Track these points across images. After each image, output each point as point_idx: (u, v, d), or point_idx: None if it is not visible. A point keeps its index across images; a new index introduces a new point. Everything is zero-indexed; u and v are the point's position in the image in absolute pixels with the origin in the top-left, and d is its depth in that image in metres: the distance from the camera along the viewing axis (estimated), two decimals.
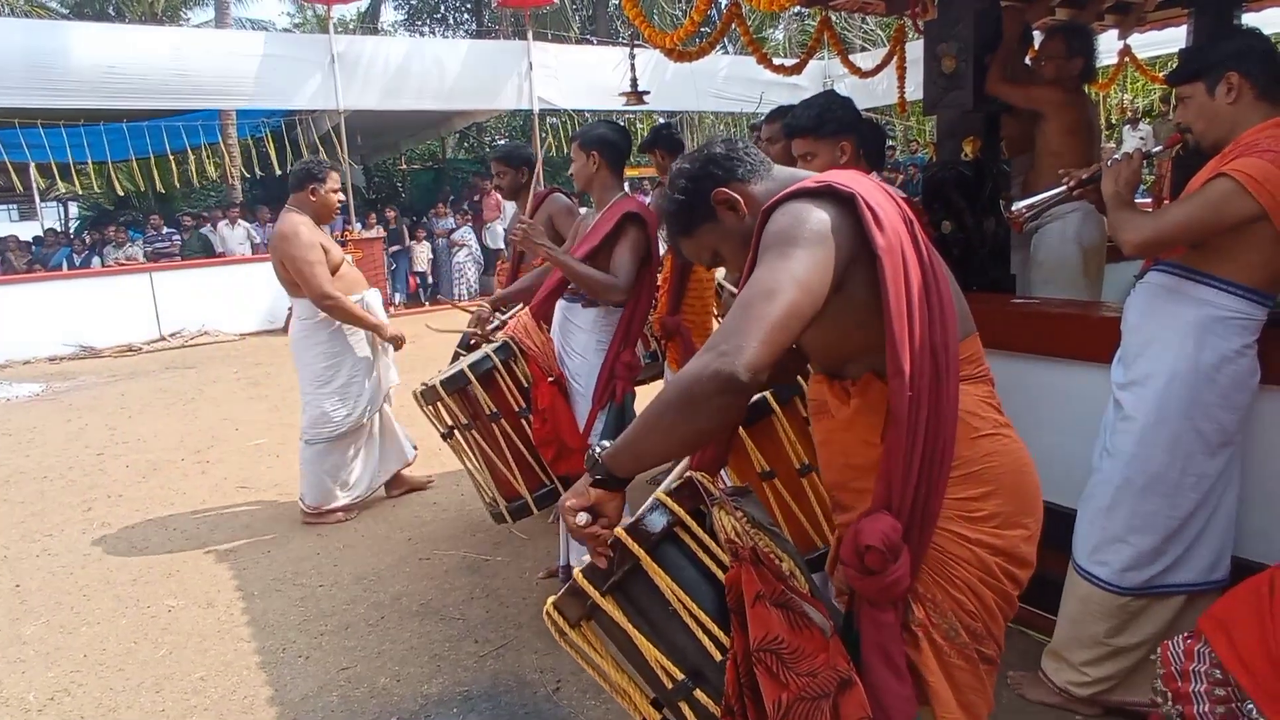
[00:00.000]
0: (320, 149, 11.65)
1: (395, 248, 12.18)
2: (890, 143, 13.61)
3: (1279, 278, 1.99)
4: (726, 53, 14.22)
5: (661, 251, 3.18)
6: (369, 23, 20.90)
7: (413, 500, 4.34)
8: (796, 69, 5.60)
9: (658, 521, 1.28)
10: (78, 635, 3.09)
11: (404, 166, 18.47)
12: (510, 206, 4.27)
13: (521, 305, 3.17)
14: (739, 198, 1.47)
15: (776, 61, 5.92)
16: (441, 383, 2.83)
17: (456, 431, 2.93)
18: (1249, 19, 4.23)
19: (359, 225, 11.19)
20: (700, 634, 1.24)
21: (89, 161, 10.56)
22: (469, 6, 23.61)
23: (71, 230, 14.79)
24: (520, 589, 3.26)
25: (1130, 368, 2.15)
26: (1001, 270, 2.99)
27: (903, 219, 1.38)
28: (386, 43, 12.76)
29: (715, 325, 4.19)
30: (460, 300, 12.29)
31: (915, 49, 4.25)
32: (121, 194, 12.49)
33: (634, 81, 7.06)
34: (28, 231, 13.68)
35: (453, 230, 12.46)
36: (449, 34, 23.54)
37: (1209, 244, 2.00)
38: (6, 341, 9.23)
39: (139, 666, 2.86)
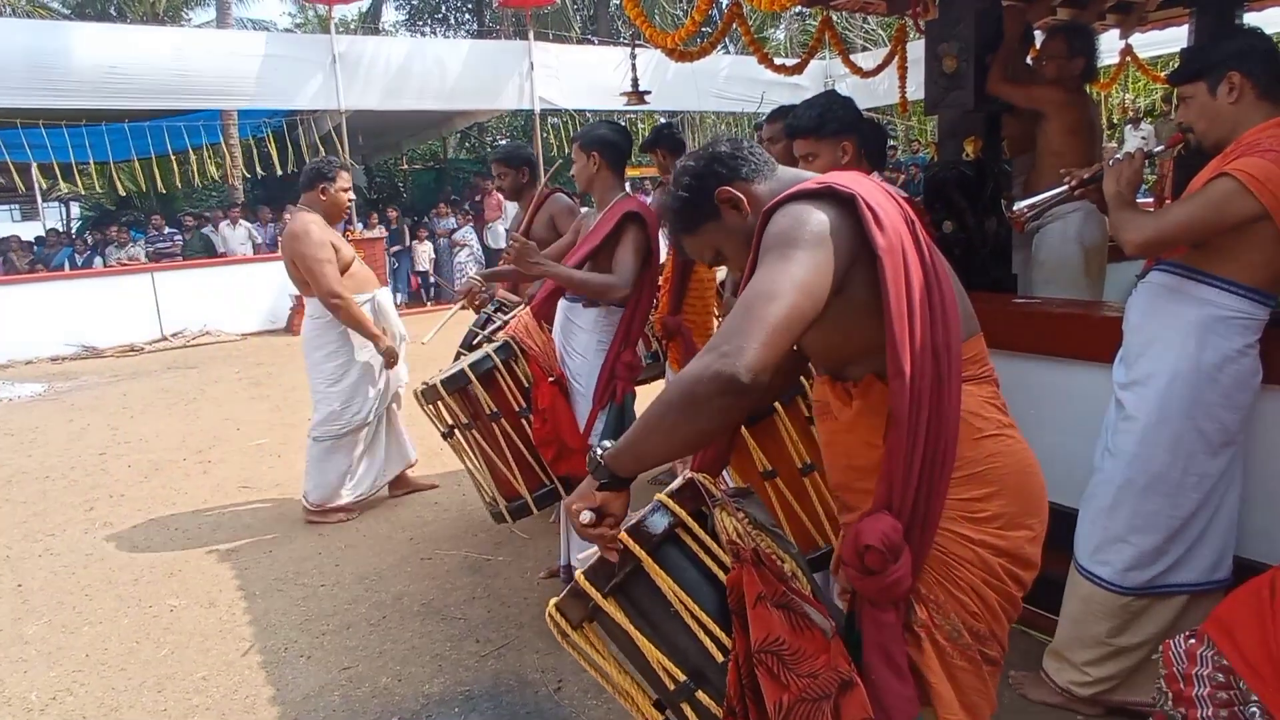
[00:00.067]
0: (321, 149, 11.66)
1: (396, 248, 12.19)
2: (892, 143, 13.61)
3: None
4: (728, 53, 14.22)
5: (663, 252, 3.19)
6: (370, 23, 20.92)
7: (414, 500, 4.34)
8: (798, 69, 5.60)
9: (659, 523, 1.28)
10: (80, 635, 3.10)
11: (405, 166, 18.48)
12: (512, 207, 4.27)
13: (524, 305, 3.17)
14: (742, 197, 1.47)
15: (778, 61, 5.92)
16: (442, 382, 2.84)
17: (457, 431, 2.93)
18: (1250, 18, 4.22)
19: (360, 225, 11.20)
20: (702, 635, 1.24)
21: (91, 161, 10.58)
22: (470, 6, 23.62)
23: (73, 230, 14.82)
24: (522, 589, 3.26)
25: (1132, 367, 2.15)
26: (1003, 270, 2.99)
27: (904, 219, 1.38)
28: (388, 43, 12.78)
29: (716, 325, 4.20)
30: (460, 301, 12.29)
31: (916, 49, 4.24)
32: (123, 194, 12.51)
33: (635, 81, 7.06)
34: (30, 232, 13.69)
35: (454, 230, 12.47)
36: (450, 34, 23.55)
37: (1211, 244, 1.99)
38: (9, 341, 9.24)
39: (141, 666, 2.86)
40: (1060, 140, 3.20)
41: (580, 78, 11.93)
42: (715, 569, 1.28)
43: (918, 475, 1.32)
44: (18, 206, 22.51)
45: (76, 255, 11.14)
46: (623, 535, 1.27)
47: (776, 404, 2.04)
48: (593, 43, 16.34)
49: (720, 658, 1.23)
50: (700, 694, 1.25)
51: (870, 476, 1.40)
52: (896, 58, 5.91)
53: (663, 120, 14.67)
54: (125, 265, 10.60)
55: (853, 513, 1.50)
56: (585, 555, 1.36)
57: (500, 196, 10.38)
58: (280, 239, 4.44)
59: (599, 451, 1.33)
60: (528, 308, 3.08)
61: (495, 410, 2.82)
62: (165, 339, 10.02)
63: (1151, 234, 2.00)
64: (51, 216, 17.94)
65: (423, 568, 3.52)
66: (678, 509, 1.30)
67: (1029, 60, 3.57)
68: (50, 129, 9.90)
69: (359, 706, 2.56)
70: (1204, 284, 2.02)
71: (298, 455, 5.17)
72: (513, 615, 3.06)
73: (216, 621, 3.14)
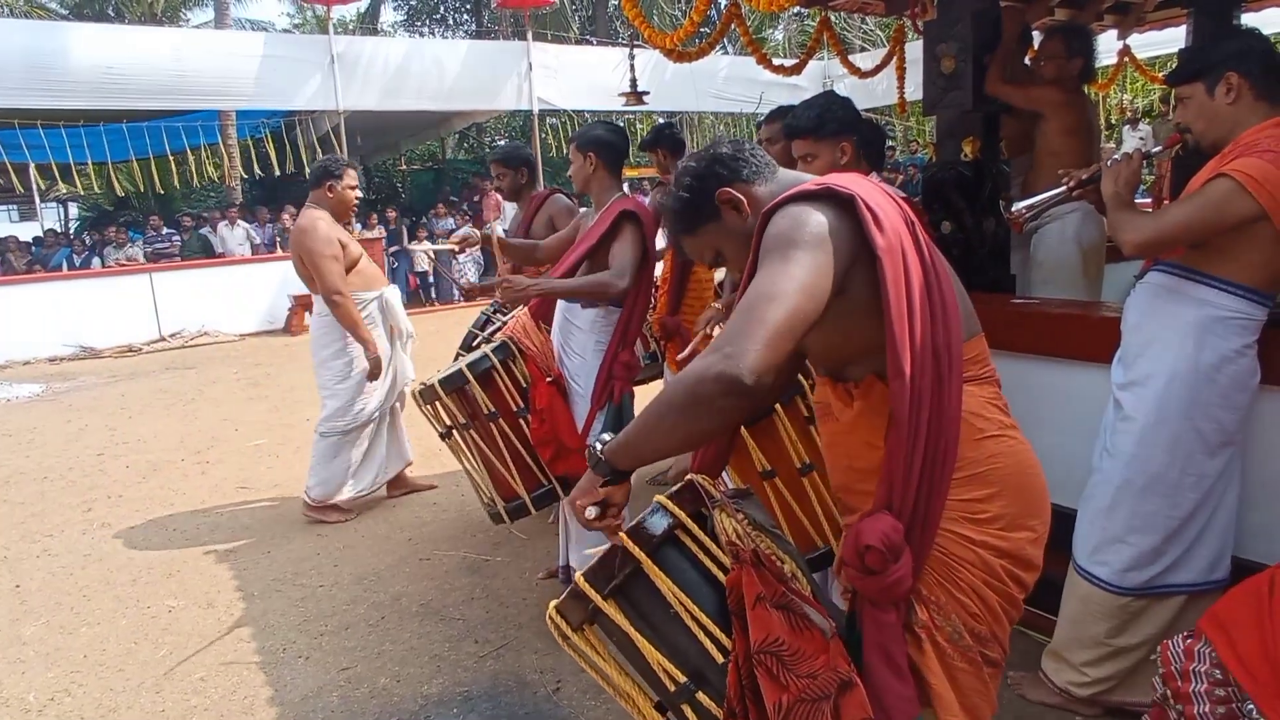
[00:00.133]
0: (319, 149, 11.66)
1: (395, 248, 12.18)
2: (890, 143, 13.61)
3: (1279, 278, 1.99)
4: (726, 53, 14.23)
5: (660, 251, 3.18)
6: (368, 23, 20.91)
7: (413, 501, 4.34)
8: (796, 69, 5.60)
9: (659, 524, 1.28)
10: (78, 636, 3.10)
11: (404, 167, 18.48)
12: (510, 207, 4.27)
13: (523, 305, 3.16)
14: (742, 198, 1.48)
15: (776, 62, 5.93)
16: (440, 382, 2.84)
17: (455, 431, 2.93)
18: (1248, 19, 4.23)
19: (359, 226, 11.19)
20: (702, 636, 1.24)
21: (89, 162, 10.57)
22: (468, 7, 23.62)
23: (71, 231, 14.80)
24: (520, 589, 3.26)
25: (1130, 368, 2.15)
26: (1001, 270, 2.99)
27: (904, 220, 1.38)
28: (386, 43, 12.77)
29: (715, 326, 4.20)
30: (459, 302, 12.30)
31: (915, 49, 4.25)
32: (121, 194, 12.51)
33: (634, 82, 7.07)
34: (28, 232, 13.68)
35: (452, 231, 12.45)
36: (448, 34, 23.56)
37: (1209, 244, 2.00)
38: (6, 342, 9.23)
39: (139, 667, 2.86)
40: (1058, 140, 3.20)
41: (579, 78, 11.93)
42: (715, 570, 1.28)
43: (918, 475, 1.32)
44: (15, 207, 22.49)
45: (74, 256, 11.13)
46: (622, 537, 1.27)
47: (776, 404, 2.04)
48: (591, 43, 16.35)
49: (720, 659, 1.23)
50: (700, 695, 1.25)
51: (872, 478, 1.40)
52: (895, 58, 5.91)
53: (661, 121, 14.67)
54: (123, 266, 10.59)
55: (854, 515, 1.50)
56: (590, 552, 1.37)
57: (499, 197, 10.38)
58: (290, 235, 4.46)
59: (598, 446, 1.34)
60: (526, 308, 3.08)
61: (493, 410, 2.82)
62: (163, 339, 10.01)
63: (1150, 234, 2.00)
64: (49, 217, 17.95)
65: (421, 568, 3.52)
66: (677, 510, 1.30)
67: (1027, 61, 3.58)
68: (48, 129, 9.90)
69: (357, 707, 2.56)
70: (1202, 284, 2.02)
71: (296, 456, 5.17)
72: (511, 616, 3.05)
73: (215, 622, 3.14)
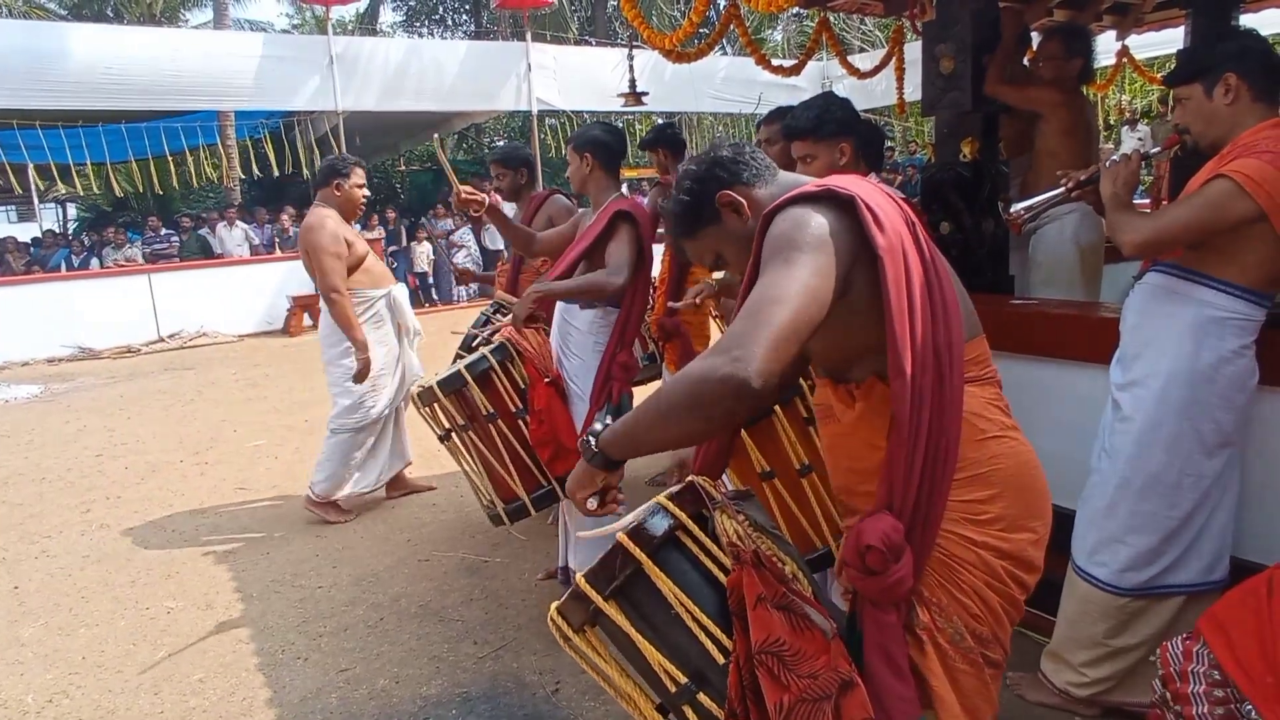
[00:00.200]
0: (317, 150, 11.66)
1: (394, 248, 12.18)
2: (889, 144, 13.62)
3: (1277, 279, 1.99)
4: (725, 54, 14.24)
5: (658, 253, 3.18)
6: (367, 24, 20.93)
7: (412, 502, 4.34)
8: (795, 70, 5.61)
9: (659, 525, 1.28)
10: (76, 637, 3.09)
11: (402, 168, 18.47)
12: (509, 208, 4.26)
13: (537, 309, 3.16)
14: (742, 201, 1.48)
15: (775, 63, 5.94)
16: (438, 383, 2.84)
17: (454, 433, 2.93)
18: (1247, 20, 4.23)
19: (359, 227, 11.17)
20: (703, 637, 1.24)
21: (87, 163, 10.57)
22: (467, 7, 23.62)
23: (70, 231, 14.81)
24: (519, 590, 3.26)
25: (1129, 368, 2.15)
26: (1000, 271, 2.99)
27: (904, 220, 1.38)
28: (385, 44, 12.77)
29: (713, 326, 4.20)
30: (459, 302, 12.30)
31: (914, 50, 4.25)
32: (120, 195, 12.51)
33: (632, 83, 7.07)
34: (26, 233, 13.67)
35: (451, 231, 12.46)
36: (447, 35, 23.56)
37: (1207, 245, 2.00)
38: (5, 343, 9.22)
39: (137, 668, 2.86)
40: (1057, 141, 3.20)
41: (578, 79, 11.94)
42: (715, 571, 1.28)
43: (919, 475, 1.32)
44: (14, 208, 22.48)
45: (73, 256, 11.12)
46: (622, 538, 1.27)
47: (775, 405, 2.04)
48: (590, 44, 16.35)
49: (721, 659, 1.23)
50: (701, 696, 1.25)
51: (873, 479, 1.40)
52: (894, 59, 5.92)
53: (661, 121, 14.67)
54: (122, 266, 10.58)
55: (855, 516, 1.50)
56: (587, 556, 1.37)
57: (498, 197, 10.38)
58: (299, 233, 4.49)
59: (592, 441, 1.35)
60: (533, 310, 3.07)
61: (492, 411, 2.82)
62: (162, 340, 10.01)
63: (1149, 235, 2.01)
64: (48, 217, 17.95)
65: (420, 569, 3.52)
66: (678, 511, 1.30)
67: (1026, 61, 3.58)
68: (47, 130, 9.90)
69: (356, 708, 2.56)
70: (1201, 285, 2.02)
71: (295, 457, 5.18)
72: (510, 617, 3.05)
73: (213, 623, 3.14)
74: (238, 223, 11.66)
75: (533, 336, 2.93)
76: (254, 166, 11.86)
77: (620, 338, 2.88)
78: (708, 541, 1.29)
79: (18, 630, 3.17)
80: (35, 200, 15.70)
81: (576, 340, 2.92)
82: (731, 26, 4.43)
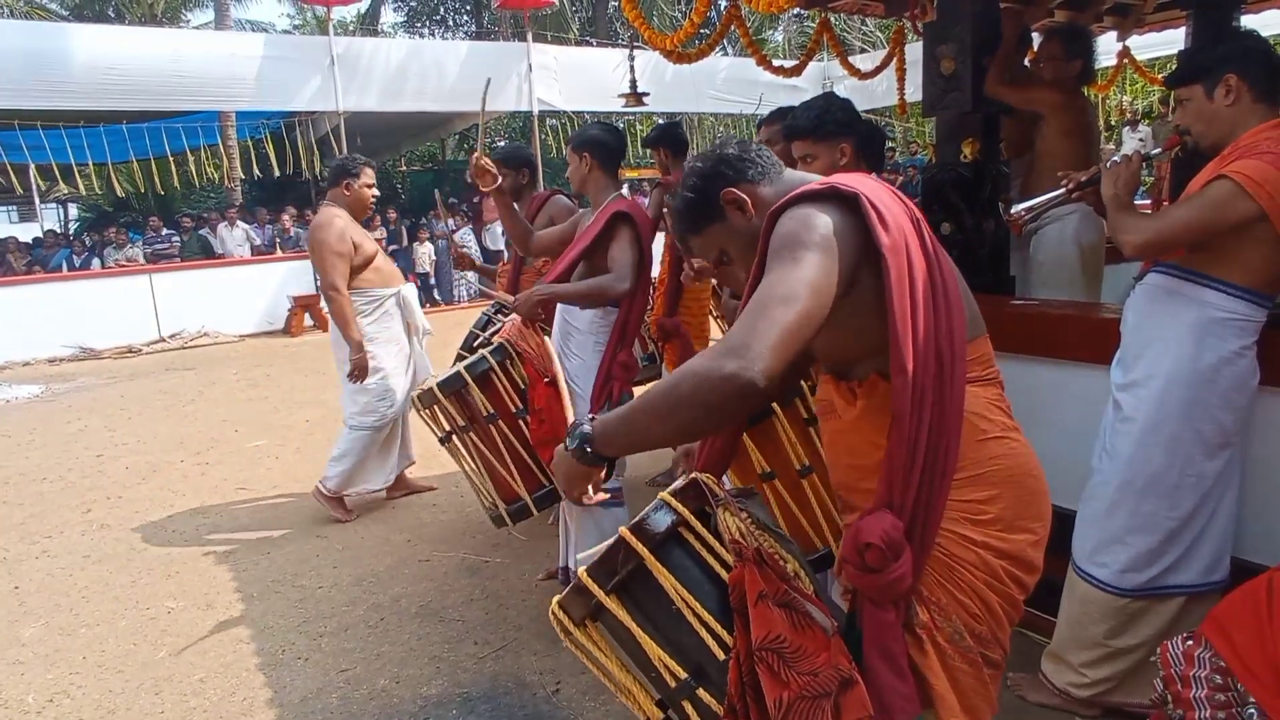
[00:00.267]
0: (318, 151, 11.67)
1: (393, 248, 12.18)
2: (889, 144, 13.61)
3: (1278, 279, 1.99)
4: (726, 54, 14.24)
5: (657, 254, 3.18)
6: (368, 24, 20.94)
7: (412, 502, 4.34)
8: (796, 71, 5.61)
9: (662, 521, 1.29)
10: (77, 637, 3.09)
11: (403, 168, 18.49)
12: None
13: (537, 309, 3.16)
14: (747, 199, 1.48)
15: (776, 63, 5.94)
16: (438, 385, 2.84)
17: (454, 435, 2.94)
18: (1247, 21, 4.23)
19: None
20: (703, 633, 1.24)
21: (89, 163, 10.59)
22: (468, 8, 23.64)
23: (71, 232, 14.81)
24: (520, 591, 3.26)
25: (1130, 369, 2.15)
26: (1001, 271, 2.99)
27: (909, 218, 1.38)
28: (386, 44, 12.78)
29: (713, 326, 4.20)
30: (460, 302, 12.30)
31: (915, 51, 4.25)
32: (121, 195, 12.52)
33: (633, 83, 7.07)
34: (27, 233, 13.68)
35: (452, 232, 12.46)
36: (448, 35, 23.58)
37: (1208, 245, 2.00)
38: (6, 343, 9.23)
39: (138, 668, 2.86)
40: (1058, 142, 3.20)
41: (579, 79, 11.94)
42: (717, 568, 1.28)
43: (919, 473, 1.32)
44: (15, 208, 22.50)
45: (74, 256, 11.12)
46: (625, 533, 1.27)
47: (775, 406, 2.04)
48: (591, 44, 16.36)
49: (721, 656, 1.23)
50: (701, 691, 1.25)
51: (873, 476, 1.40)
52: (895, 60, 5.93)
53: (662, 121, 14.68)
54: (123, 267, 10.59)
55: (854, 513, 1.50)
56: (586, 555, 1.37)
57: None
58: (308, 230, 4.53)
59: (585, 430, 1.31)
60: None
61: (492, 412, 2.83)
62: (163, 340, 10.01)
63: (1150, 236, 2.01)
64: (49, 218, 17.95)
65: (421, 570, 3.52)
66: (681, 508, 1.30)
67: (1027, 62, 3.58)
68: (48, 130, 9.91)
69: (357, 709, 2.56)
70: (1202, 286, 2.02)
71: (295, 457, 5.18)
72: (511, 617, 3.05)
73: (214, 623, 3.14)
74: (239, 223, 11.67)
75: (532, 337, 2.93)
76: (255, 167, 11.87)
77: (621, 337, 2.89)
78: (710, 538, 1.30)
79: (18, 630, 3.17)
80: (36, 200, 15.72)
81: (577, 340, 2.92)
82: (732, 27, 4.43)
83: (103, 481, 4.93)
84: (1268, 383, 2.05)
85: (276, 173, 11.70)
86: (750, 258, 1.45)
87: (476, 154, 2.94)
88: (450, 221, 12.51)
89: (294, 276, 10.86)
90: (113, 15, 18.69)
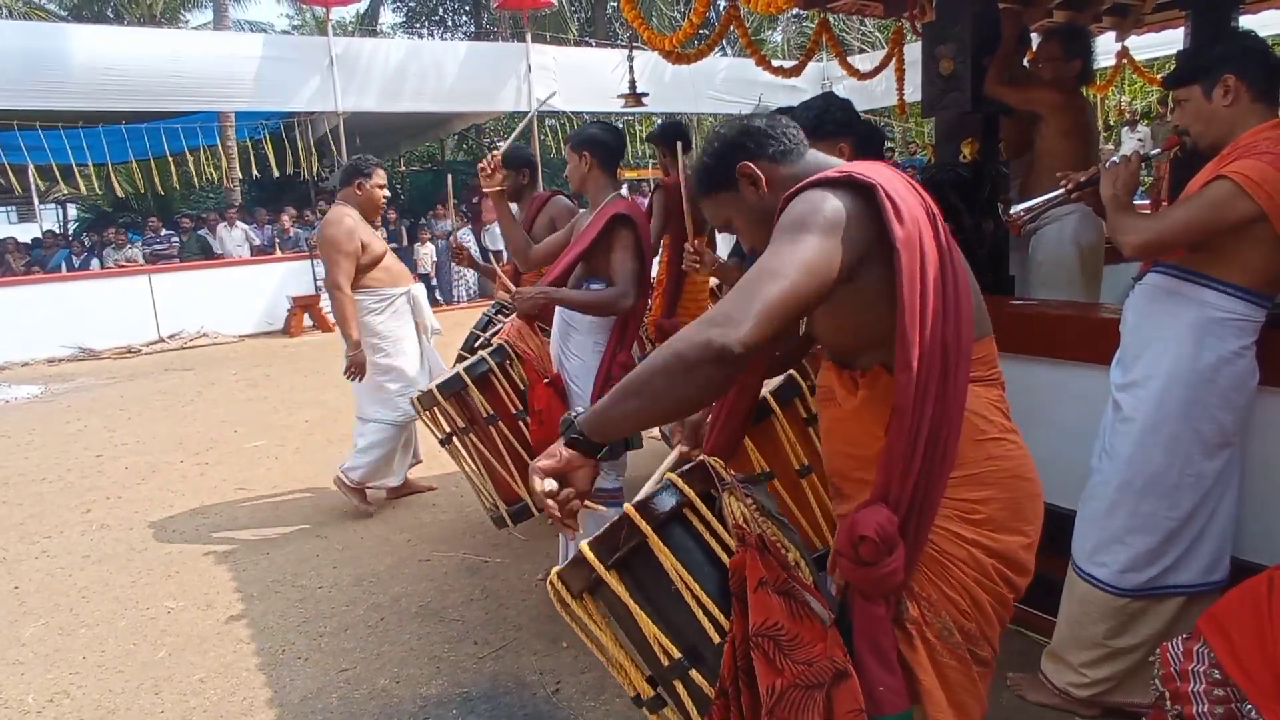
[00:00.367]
0: (316, 151, 11.66)
1: (394, 248, 12.16)
2: (889, 144, 13.63)
3: (1277, 279, 1.99)
4: (725, 55, 14.25)
5: (655, 255, 3.18)
6: (367, 24, 20.94)
7: (412, 502, 4.34)
8: (795, 71, 5.62)
9: (667, 501, 1.29)
10: (76, 637, 3.09)
11: (403, 168, 18.48)
12: (511, 208, 4.26)
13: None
14: (762, 175, 1.47)
15: (775, 63, 5.95)
16: (438, 386, 2.85)
17: (455, 437, 2.94)
18: (1246, 21, 4.24)
19: None
20: (701, 615, 1.24)
21: (88, 163, 10.58)
22: (467, 8, 23.63)
23: (70, 232, 14.80)
24: (519, 590, 3.26)
25: (1129, 369, 2.15)
26: (1000, 272, 2.99)
27: (925, 211, 1.38)
28: (385, 45, 12.78)
29: None
30: (460, 302, 12.30)
31: (914, 51, 4.26)
32: (120, 196, 12.50)
33: (633, 83, 7.06)
34: (26, 233, 13.67)
35: (452, 232, 12.45)
36: (447, 36, 23.57)
37: (1208, 246, 2.00)
38: (5, 343, 9.22)
39: (138, 668, 2.86)
40: (1057, 142, 3.20)
41: (578, 80, 11.93)
42: (719, 551, 1.28)
43: (917, 469, 1.32)
44: (14, 208, 22.50)
45: (73, 257, 11.12)
46: (630, 509, 1.27)
47: (774, 406, 2.04)
48: (590, 45, 16.36)
49: (717, 639, 1.23)
50: (694, 672, 1.25)
51: (869, 466, 1.40)
52: (894, 60, 5.93)
53: (662, 121, 14.67)
54: (122, 267, 10.59)
55: (848, 501, 1.51)
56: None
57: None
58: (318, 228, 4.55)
59: (574, 414, 1.32)
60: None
61: (491, 413, 2.83)
62: (162, 341, 10.01)
63: (1150, 236, 2.01)
64: (48, 218, 17.95)
65: (421, 569, 3.52)
66: (686, 489, 1.30)
67: (1026, 62, 3.58)
68: (47, 131, 9.90)
69: (357, 709, 2.56)
70: (1201, 286, 2.02)
71: (295, 457, 5.18)
72: (511, 617, 3.05)
73: (214, 623, 3.14)
74: (238, 223, 11.66)
75: (532, 338, 2.94)
76: (254, 167, 11.86)
77: (621, 338, 2.89)
78: (714, 521, 1.30)
79: (18, 630, 3.17)
80: (35, 201, 15.71)
81: (577, 341, 2.92)
82: (731, 27, 4.43)
83: (102, 482, 4.93)
84: (1267, 383, 2.05)
85: (275, 173, 11.69)
86: (755, 231, 1.45)
87: (496, 153, 2.99)
88: (451, 221, 12.52)
89: (293, 277, 10.86)
90: (111, 16, 18.69)
